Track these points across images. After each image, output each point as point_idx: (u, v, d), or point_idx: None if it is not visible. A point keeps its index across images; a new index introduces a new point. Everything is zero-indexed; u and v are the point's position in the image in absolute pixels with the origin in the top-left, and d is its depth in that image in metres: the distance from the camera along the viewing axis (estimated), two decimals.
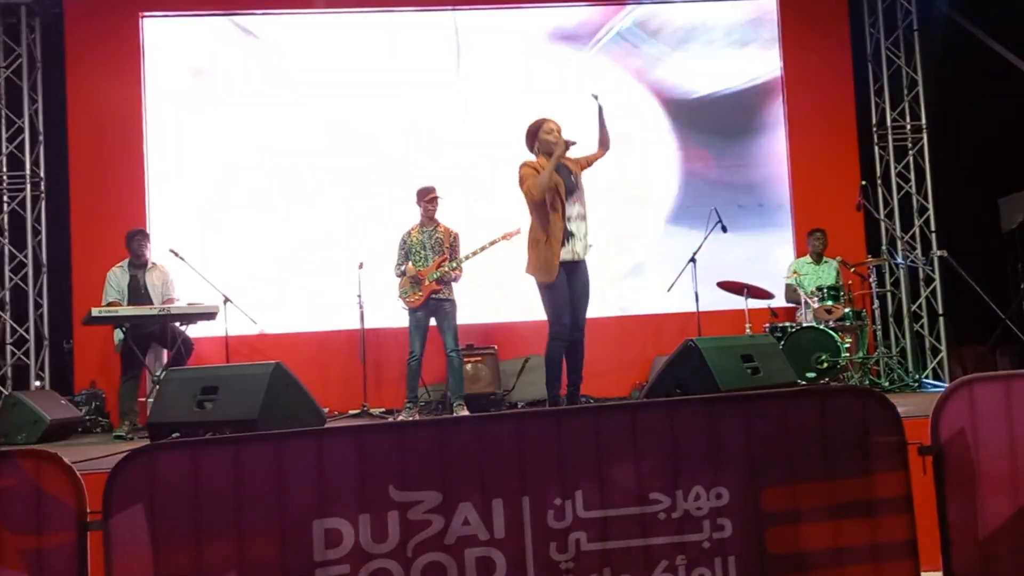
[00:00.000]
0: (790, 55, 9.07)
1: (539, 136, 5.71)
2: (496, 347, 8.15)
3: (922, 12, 9.15)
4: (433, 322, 7.07)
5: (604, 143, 5.91)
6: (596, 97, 5.84)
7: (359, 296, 7.74)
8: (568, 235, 5.60)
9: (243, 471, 2.90)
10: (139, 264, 7.25)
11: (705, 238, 7.85)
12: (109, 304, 6.96)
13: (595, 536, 2.99)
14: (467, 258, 7.08)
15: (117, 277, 7.17)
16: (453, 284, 7.14)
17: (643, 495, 3.03)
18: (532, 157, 5.77)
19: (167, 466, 2.88)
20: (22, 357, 8.45)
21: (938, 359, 8.91)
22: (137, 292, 7.15)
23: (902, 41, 9.23)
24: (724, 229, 7.77)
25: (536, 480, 3.03)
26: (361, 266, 7.86)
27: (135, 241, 7.26)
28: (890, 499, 3.03)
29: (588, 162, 5.91)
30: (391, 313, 8.05)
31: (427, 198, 7.10)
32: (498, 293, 8.68)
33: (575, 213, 5.64)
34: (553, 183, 5.55)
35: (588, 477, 3.04)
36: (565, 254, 5.60)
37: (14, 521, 2.83)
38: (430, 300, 6.95)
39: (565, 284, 5.62)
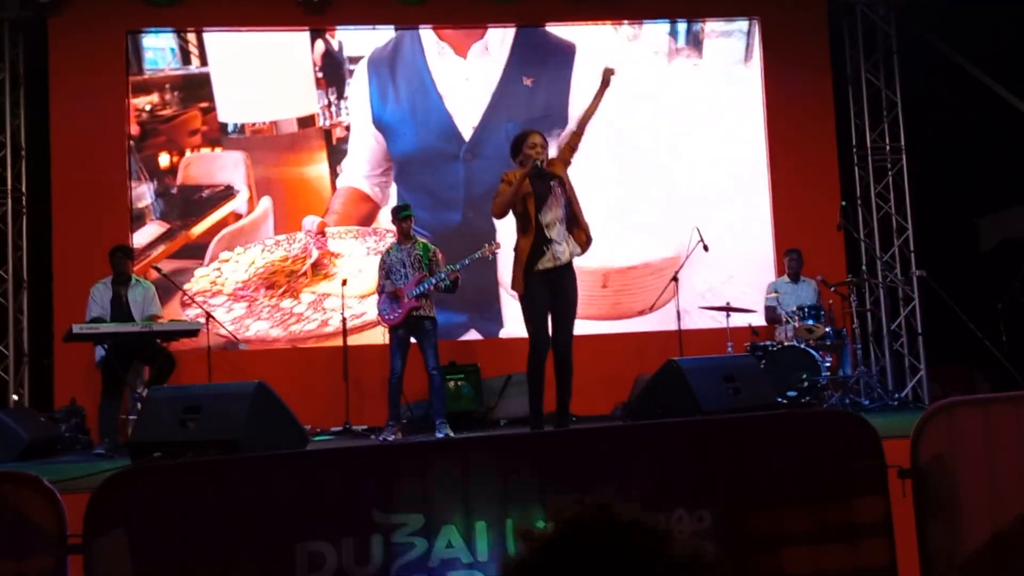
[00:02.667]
0: (771, 77, 9.15)
1: (523, 149, 5.64)
2: (478, 364, 8.15)
3: (901, 36, 9.26)
4: (414, 340, 7.05)
5: (585, 119, 5.65)
6: (611, 72, 5.61)
7: (342, 313, 7.73)
8: (546, 242, 5.51)
9: (226, 494, 2.90)
10: (122, 280, 7.22)
11: (687, 257, 7.90)
12: (92, 320, 6.92)
13: None
14: (453, 272, 7.04)
15: (100, 293, 7.14)
16: (435, 298, 7.13)
17: None
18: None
19: (150, 489, 2.88)
20: (1, 373, 8.38)
21: (917, 378, 8.98)
22: (120, 308, 7.11)
23: (882, 64, 9.34)
24: (706, 248, 7.82)
25: (520, 502, 3.04)
26: (345, 283, 7.86)
27: (117, 258, 7.22)
28: (870, 523, 3.06)
29: (571, 148, 5.68)
30: (373, 330, 8.07)
31: (400, 216, 7.10)
32: (480, 309, 8.71)
33: (552, 218, 5.54)
34: (521, 196, 5.50)
35: (570, 500, 3.05)
36: (545, 263, 5.50)
37: None
38: (410, 317, 6.92)
39: (545, 295, 5.52)
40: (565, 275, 5.61)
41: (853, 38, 9.43)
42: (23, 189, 8.65)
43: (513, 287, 5.68)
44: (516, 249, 5.63)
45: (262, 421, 4.85)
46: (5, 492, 2.80)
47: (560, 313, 5.60)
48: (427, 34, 8.94)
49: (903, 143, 9.28)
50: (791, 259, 8.28)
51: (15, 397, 8.33)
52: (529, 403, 5.68)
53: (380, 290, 7.10)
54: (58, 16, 8.55)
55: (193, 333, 6.93)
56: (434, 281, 6.95)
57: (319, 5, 8.70)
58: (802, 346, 7.46)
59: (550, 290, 5.54)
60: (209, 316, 7.30)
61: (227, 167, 8.69)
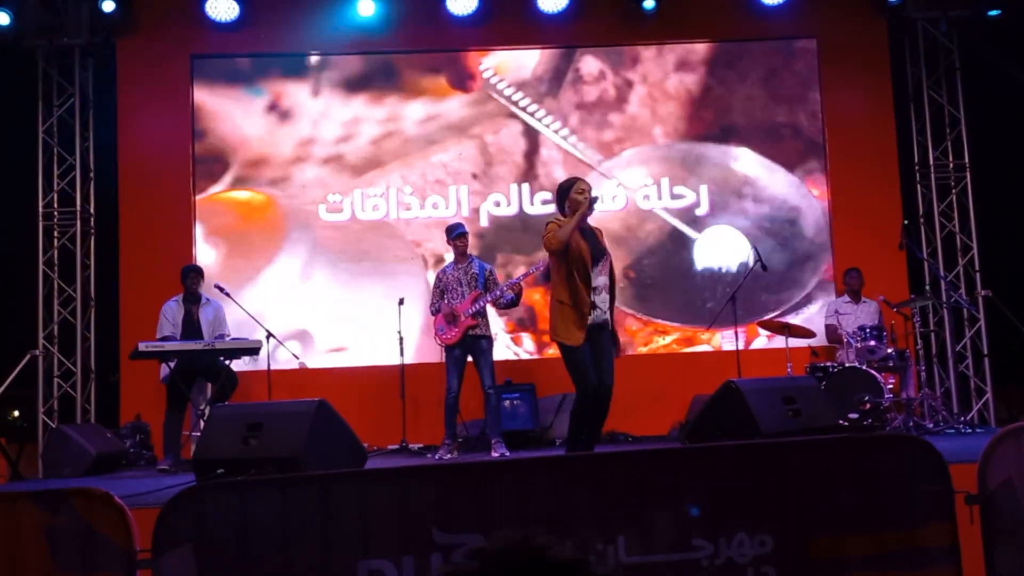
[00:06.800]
0: (830, 94, 9.06)
1: (571, 195, 5.40)
2: (534, 384, 8.15)
3: (964, 52, 9.11)
4: (470, 359, 7.08)
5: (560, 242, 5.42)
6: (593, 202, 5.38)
7: (399, 332, 7.80)
8: (592, 306, 5.29)
9: (289, 512, 2.95)
10: (193, 299, 7.38)
11: (745, 277, 7.84)
12: (163, 337, 7.08)
13: None
14: (517, 284, 7.12)
15: (173, 311, 7.29)
16: (491, 316, 7.17)
17: (685, 541, 3.02)
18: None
19: (216, 506, 2.94)
20: (69, 390, 8.60)
21: (983, 400, 8.76)
22: (190, 327, 7.26)
23: (944, 80, 9.18)
24: (764, 267, 7.75)
25: (578, 524, 3.03)
26: (401, 302, 7.93)
27: (190, 278, 7.38)
28: (937, 549, 3.00)
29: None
30: (430, 349, 8.13)
31: (455, 235, 7.15)
32: (536, 328, 8.73)
33: (601, 284, 5.37)
34: (578, 248, 5.29)
35: (630, 522, 3.04)
36: (585, 319, 5.28)
37: (65, 559, 2.89)
38: (466, 337, 6.95)
39: (587, 346, 5.29)
40: (601, 332, 5.41)
41: (915, 55, 9.29)
42: (91, 210, 8.89)
43: (555, 337, 5.41)
44: (557, 298, 5.39)
45: (322, 439, 4.91)
46: (78, 507, 2.88)
47: (600, 362, 5.37)
48: None
49: (967, 160, 9.11)
50: (851, 278, 8.16)
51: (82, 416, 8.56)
52: (568, 446, 5.45)
53: (433, 309, 7.14)
54: (125, 41, 8.82)
55: (255, 351, 7.05)
56: (490, 298, 6.98)
57: (378, 27, 8.82)
58: (863, 367, 7.34)
59: (588, 341, 5.31)
60: (270, 335, 7.41)
61: None
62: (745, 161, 9.02)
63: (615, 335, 5.52)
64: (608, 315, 5.42)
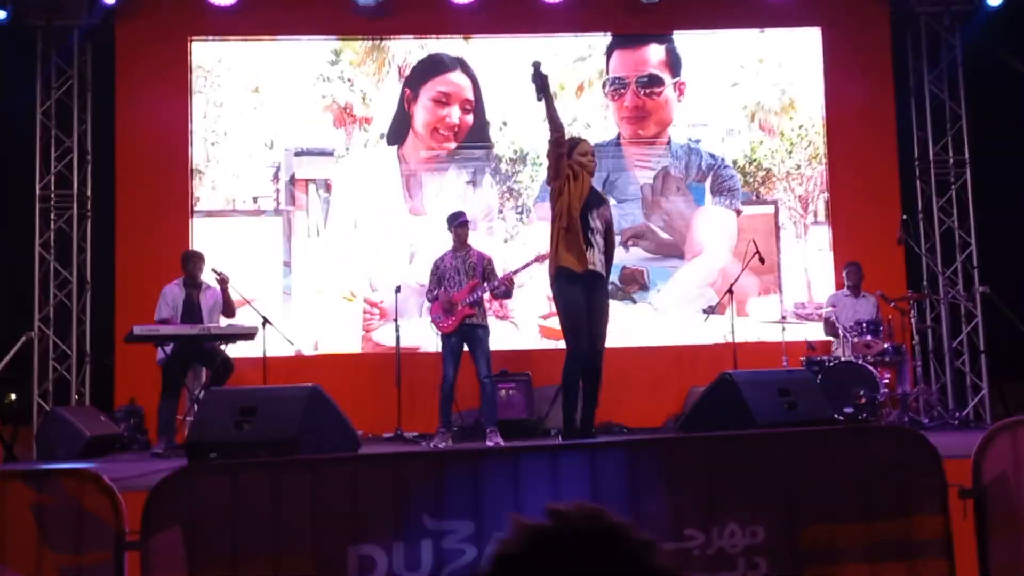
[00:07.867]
0: (832, 88, 9.03)
1: (574, 155, 5.59)
2: (530, 373, 8.15)
3: (966, 47, 9.07)
4: (466, 348, 7.06)
5: (555, 126, 5.51)
6: (538, 67, 5.39)
7: (395, 319, 7.79)
8: (587, 243, 5.49)
9: (280, 495, 2.93)
10: (194, 284, 7.35)
11: (743, 269, 7.82)
12: (161, 320, 7.06)
13: None
14: (508, 276, 7.10)
15: (174, 294, 7.26)
16: (491, 304, 7.16)
17: (677, 531, 3.01)
18: None
19: (206, 488, 2.92)
20: (64, 373, 8.59)
21: (979, 396, 8.76)
22: (191, 311, 7.23)
23: (946, 76, 9.16)
24: (762, 260, 7.74)
25: None
26: (398, 290, 7.91)
27: (191, 262, 7.35)
28: (930, 542, 2.99)
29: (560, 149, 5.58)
30: (426, 337, 8.11)
31: (457, 223, 7.12)
32: (532, 319, 8.71)
33: (597, 227, 5.56)
34: (579, 186, 5.48)
35: (622, 511, 3.02)
36: (583, 259, 5.48)
37: (54, 539, 2.88)
38: (463, 325, 6.94)
39: (583, 300, 5.47)
40: (601, 284, 5.61)
41: (916, 49, 9.27)
42: (88, 193, 8.86)
43: (558, 263, 5.50)
44: (559, 226, 5.51)
45: (315, 424, 4.91)
46: (68, 488, 2.86)
47: (595, 321, 5.53)
48: None
49: (967, 156, 9.09)
50: (849, 272, 8.15)
51: (76, 398, 8.53)
52: (564, 413, 5.58)
53: (430, 296, 7.11)
54: (124, 23, 8.77)
55: (250, 336, 7.03)
56: (488, 287, 6.96)
57: (377, 11, 8.78)
58: (859, 362, 7.33)
59: (586, 295, 5.49)
60: (266, 321, 7.39)
61: None
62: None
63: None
64: (604, 269, 5.61)
